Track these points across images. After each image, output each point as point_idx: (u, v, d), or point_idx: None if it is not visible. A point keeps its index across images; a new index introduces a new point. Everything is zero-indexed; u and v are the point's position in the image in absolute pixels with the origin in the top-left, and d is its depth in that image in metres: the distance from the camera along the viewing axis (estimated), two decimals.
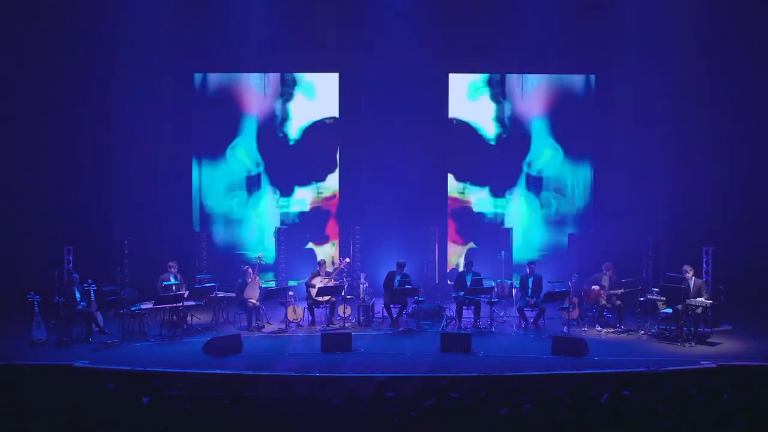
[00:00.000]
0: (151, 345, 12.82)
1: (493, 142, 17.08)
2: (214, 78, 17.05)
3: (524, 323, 14.02)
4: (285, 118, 17.11)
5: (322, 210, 17.26)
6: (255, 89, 17.04)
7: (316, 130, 17.12)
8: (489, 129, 17.08)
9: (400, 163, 16.67)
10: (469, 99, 17.10)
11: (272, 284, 14.83)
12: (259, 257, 14.69)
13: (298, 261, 16.50)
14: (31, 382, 9.43)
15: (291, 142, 17.17)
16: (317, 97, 17.09)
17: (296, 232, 16.92)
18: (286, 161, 17.12)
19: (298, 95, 17.11)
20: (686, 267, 13.21)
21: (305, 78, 17.11)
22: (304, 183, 17.20)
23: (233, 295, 14.38)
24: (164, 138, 16.63)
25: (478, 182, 17.13)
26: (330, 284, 14.13)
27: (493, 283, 14.57)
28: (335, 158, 17.17)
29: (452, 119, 17.04)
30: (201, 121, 17.03)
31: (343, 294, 14.17)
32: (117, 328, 13.12)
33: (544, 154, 17.06)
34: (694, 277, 13.19)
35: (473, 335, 12.63)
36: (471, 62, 16.89)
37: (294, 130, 17.13)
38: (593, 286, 13.89)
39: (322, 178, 17.23)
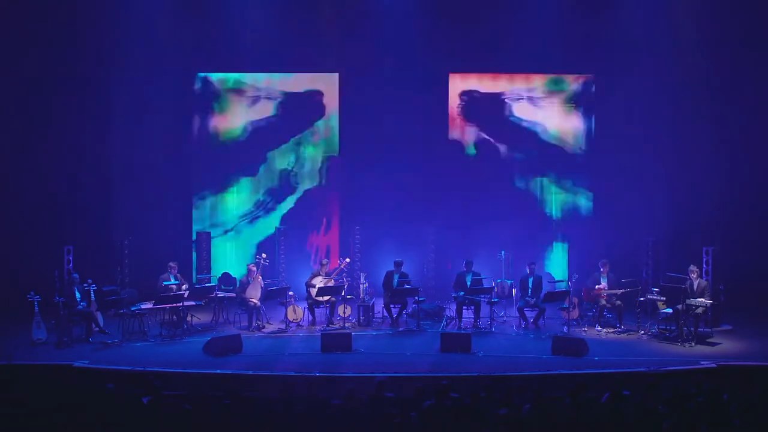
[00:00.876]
0: (151, 345, 12.82)
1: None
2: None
3: (524, 323, 14.02)
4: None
5: None
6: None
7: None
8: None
9: (400, 162, 16.67)
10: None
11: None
12: (263, 257, 14.68)
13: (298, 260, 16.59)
14: (31, 382, 9.44)
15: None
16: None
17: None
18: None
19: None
20: (692, 267, 13.22)
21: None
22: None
23: (233, 295, 14.39)
24: (164, 138, 16.61)
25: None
26: (330, 284, 14.14)
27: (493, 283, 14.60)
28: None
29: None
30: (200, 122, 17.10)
31: (343, 294, 14.17)
32: (117, 328, 13.13)
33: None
34: (698, 278, 13.18)
35: (473, 335, 12.64)
36: (471, 62, 16.89)
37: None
38: (597, 286, 13.89)
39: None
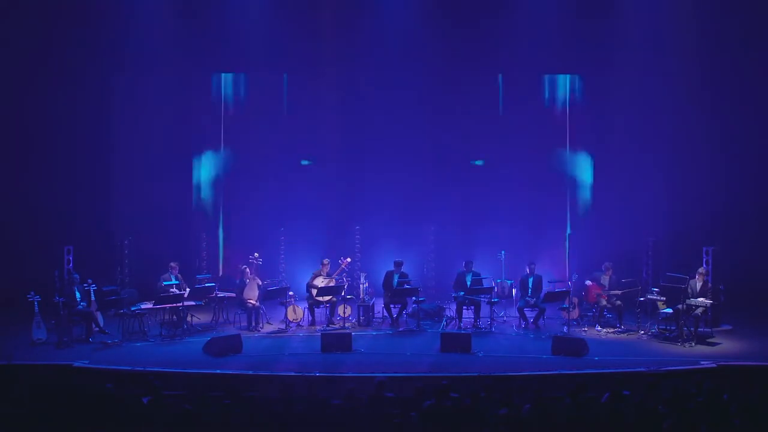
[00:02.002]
0: (151, 345, 12.83)
1: None
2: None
3: (524, 323, 14.02)
4: None
5: None
6: None
7: None
8: None
9: (401, 162, 16.67)
10: None
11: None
12: (255, 257, 14.64)
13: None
14: (31, 382, 9.44)
15: None
16: None
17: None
18: None
19: None
20: (701, 269, 13.27)
21: None
22: None
23: (233, 295, 14.37)
24: (164, 137, 16.60)
25: None
26: (330, 284, 14.13)
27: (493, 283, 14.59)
28: None
29: None
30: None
31: (343, 294, 14.17)
32: (117, 328, 13.14)
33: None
34: (701, 280, 13.16)
35: (473, 335, 12.64)
36: (471, 62, 16.89)
37: None
38: (587, 282, 13.95)
39: None
